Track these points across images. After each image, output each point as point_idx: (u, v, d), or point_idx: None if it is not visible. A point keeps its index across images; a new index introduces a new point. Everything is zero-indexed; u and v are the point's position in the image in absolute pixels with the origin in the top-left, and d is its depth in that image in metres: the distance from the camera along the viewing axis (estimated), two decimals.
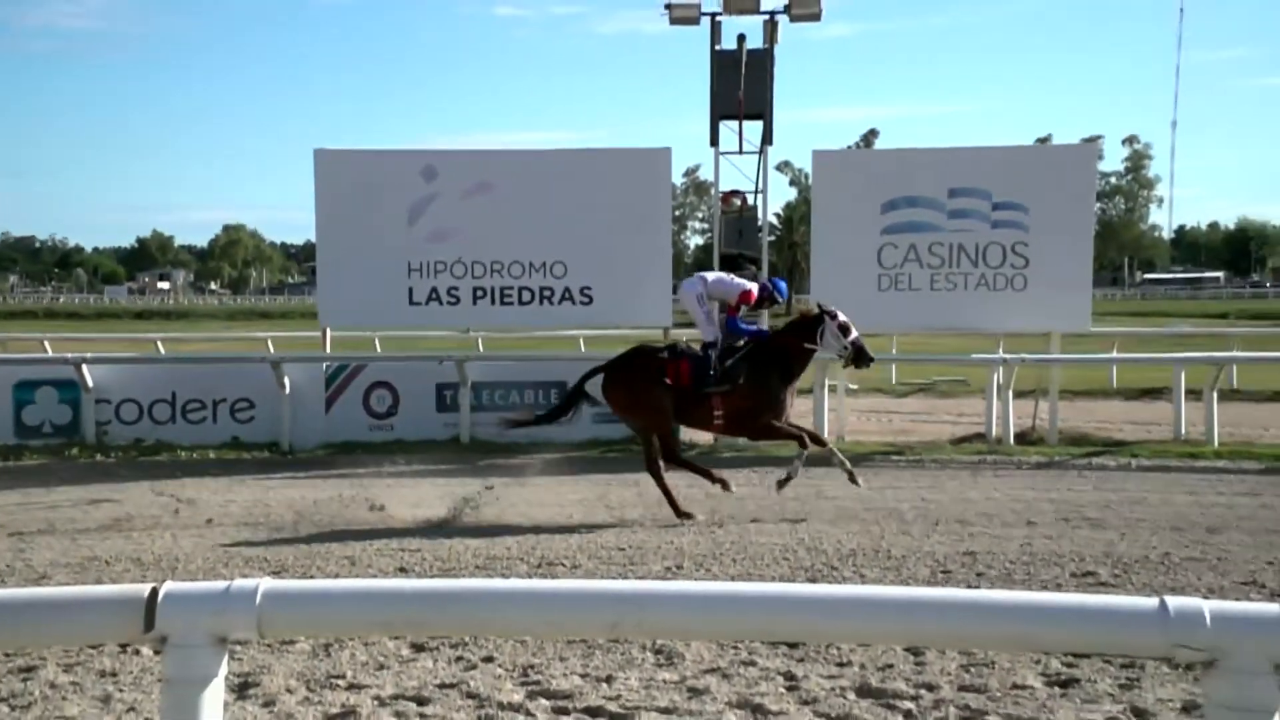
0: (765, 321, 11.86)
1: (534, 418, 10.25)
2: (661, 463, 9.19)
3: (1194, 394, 13.54)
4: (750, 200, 14.24)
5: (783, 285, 10.51)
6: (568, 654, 5.34)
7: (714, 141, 13.88)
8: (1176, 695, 4.77)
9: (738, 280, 10.15)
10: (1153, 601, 2.26)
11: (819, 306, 9.66)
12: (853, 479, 9.04)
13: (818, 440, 9.62)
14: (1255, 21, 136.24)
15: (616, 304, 13.90)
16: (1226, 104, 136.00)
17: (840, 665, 5.17)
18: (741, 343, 9.54)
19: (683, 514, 8.86)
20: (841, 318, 9.44)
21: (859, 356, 9.49)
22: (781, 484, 9.15)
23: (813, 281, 14.49)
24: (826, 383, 13.49)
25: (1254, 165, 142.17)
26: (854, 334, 9.47)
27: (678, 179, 74.33)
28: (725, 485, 9.18)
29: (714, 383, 9.28)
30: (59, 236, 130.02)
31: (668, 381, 9.31)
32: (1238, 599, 5.77)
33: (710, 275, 10.33)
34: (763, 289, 10.01)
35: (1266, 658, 2.18)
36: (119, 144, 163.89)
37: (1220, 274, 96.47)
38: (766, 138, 13.79)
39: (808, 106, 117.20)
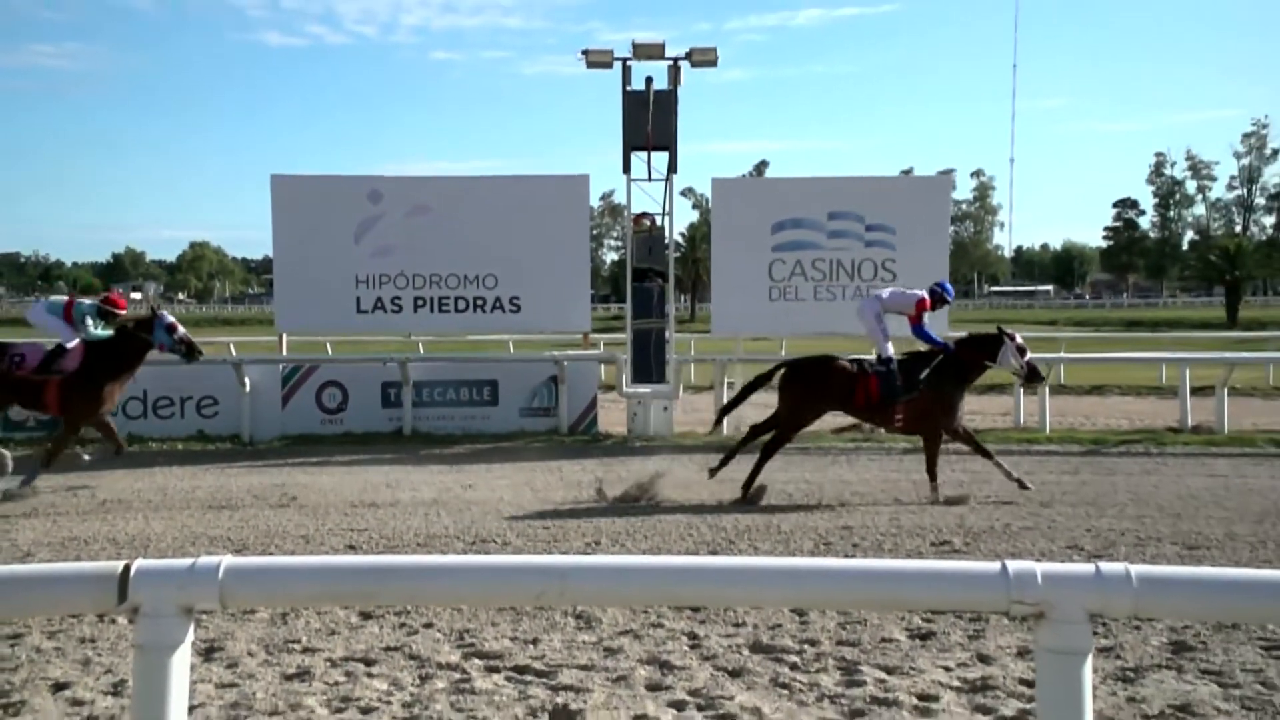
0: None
1: (721, 411, 10.30)
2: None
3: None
4: (658, 221, 14.28)
5: (949, 286, 10.12)
6: (499, 620, 5.31)
7: (626, 170, 13.90)
8: (1013, 643, 4.92)
9: (910, 291, 9.80)
10: (996, 565, 2.32)
11: (999, 329, 9.29)
12: (1021, 485, 8.86)
13: (984, 453, 9.28)
14: (1073, 77, 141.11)
15: (542, 312, 13.88)
16: (1052, 144, 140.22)
17: (736, 625, 5.22)
18: (926, 349, 9.33)
19: (748, 495, 8.80)
20: (1019, 340, 9.16)
21: (1032, 375, 9.30)
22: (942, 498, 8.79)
23: (713, 293, 14.59)
24: (725, 380, 13.60)
25: (1075, 196, 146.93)
26: (1029, 355, 9.22)
27: (595, 202, 74.15)
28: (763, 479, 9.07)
29: (903, 393, 9.03)
30: (41, 252, 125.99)
31: (846, 393, 9.11)
32: (1063, 561, 5.96)
33: (885, 292, 9.96)
34: (933, 293, 9.69)
35: (1083, 609, 2.26)
36: (95, 170, 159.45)
37: (1050, 287, 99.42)
38: (672, 167, 13.85)
39: (707, 140, 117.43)
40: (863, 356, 9.59)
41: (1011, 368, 9.25)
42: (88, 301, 9.93)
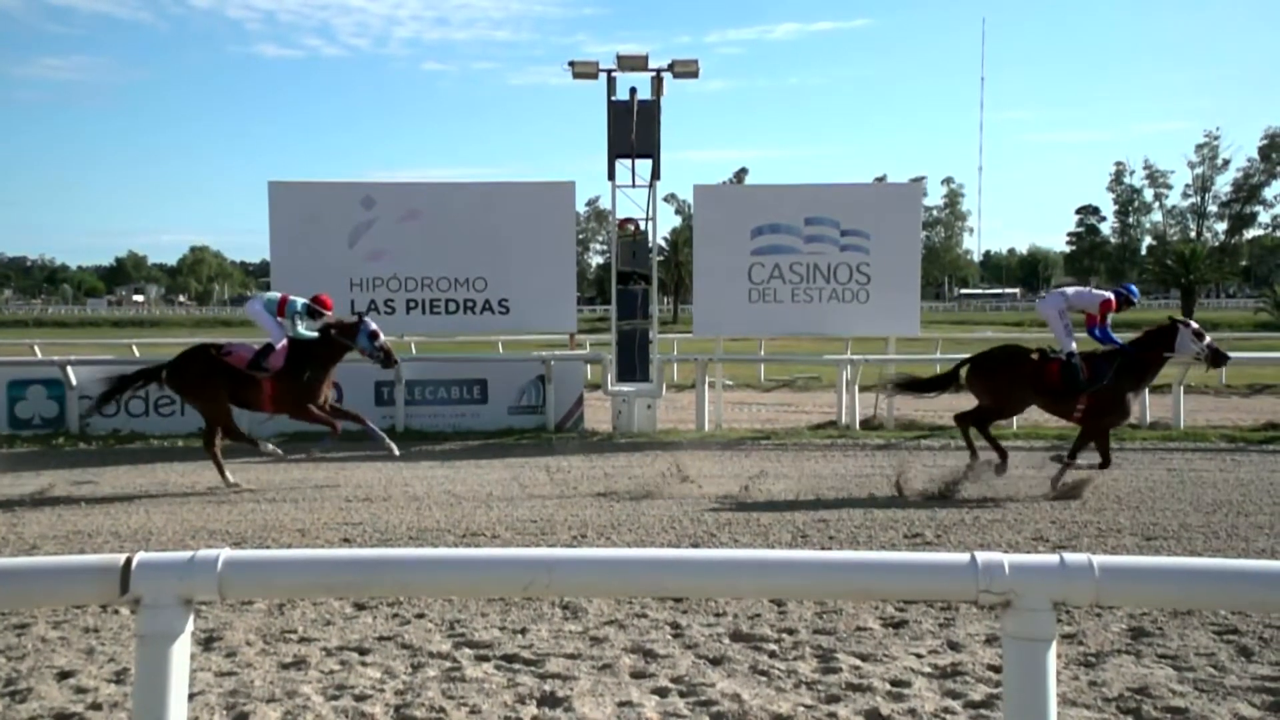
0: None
1: (906, 382, 10.11)
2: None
3: None
4: (642, 226, 14.27)
5: (1134, 289, 9.74)
6: (488, 610, 5.30)
7: (611, 177, 13.88)
8: (982, 630, 4.95)
9: (1096, 291, 9.54)
10: (965, 557, 2.33)
11: (1171, 319, 9.11)
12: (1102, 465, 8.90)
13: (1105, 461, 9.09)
14: (1038, 90, 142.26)
15: (530, 313, 13.84)
16: (1019, 154, 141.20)
17: (717, 615, 5.23)
18: (1107, 349, 9.13)
19: (1061, 489, 8.61)
20: (1194, 325, 8.94)
21: (1215, 356, 8.94)
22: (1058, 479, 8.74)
23: (695, 295, 14.60)
24: (706, 379, 13.62)
25: (1040, 203, 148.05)
26: (1208, 338, 8.97)
27: (581, 208, 74.03)
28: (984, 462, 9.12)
29: (1087, 386, 8.87)
30: (47, 256, 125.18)
31: (1034, 380, 9.02)
32: (1028, 552, 6.00)
33: (1070, 290, 9.72)
34: (1118, 295, 9.38)
35: (1047, 597, 2.27)
36: (99, 177, 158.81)
37: (1017, 290, 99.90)
38: (655, 174, 13.84)
39: (689, 148, 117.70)
40: (1044, 346, 9.59)
41: (1192, 353, 9.04)
42: (300, 301, 9.95)
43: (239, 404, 9.85)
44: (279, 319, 9.79)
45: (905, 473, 8.97)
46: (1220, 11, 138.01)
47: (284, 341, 9.67)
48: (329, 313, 10.02)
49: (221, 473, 9.28)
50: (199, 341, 10.64)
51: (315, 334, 9.80)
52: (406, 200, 13.68)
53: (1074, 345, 9.20)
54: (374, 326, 9.79)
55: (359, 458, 10.95)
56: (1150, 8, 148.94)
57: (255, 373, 9.54)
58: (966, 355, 10.18)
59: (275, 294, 10.26)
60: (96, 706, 4.07)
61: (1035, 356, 9.25)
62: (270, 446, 9.83)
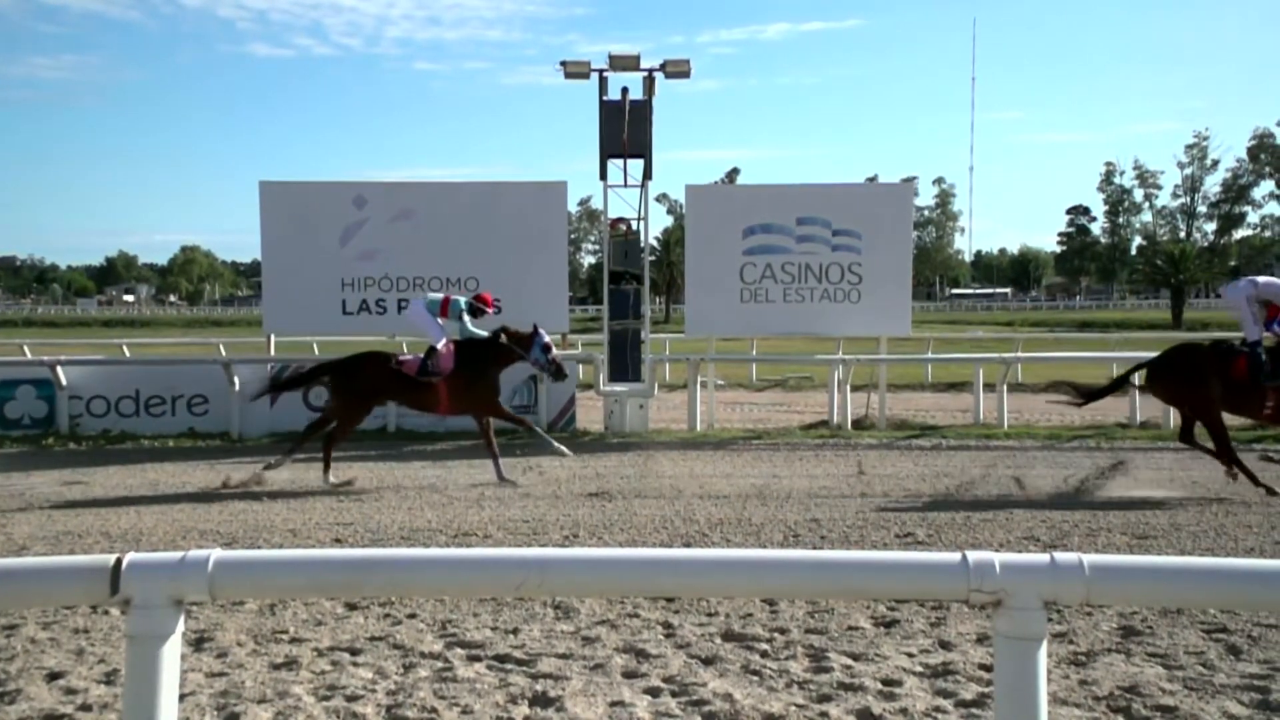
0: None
1: (1082, 390, 9.54)
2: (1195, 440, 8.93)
3: (989, 386, 14.04)
4: (634, 226, 14.26)
5: None
6: (480, 610, 5.29)
7: (603, 176, 13.88)
8: (973, 630, 4.96)
9: None
10: (956, 556, 2.33)
11: None
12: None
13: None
14: (1029, 91, 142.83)
15: (521, 313, 13.71)
16: (1009, 154, 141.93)
17: (709, 615, 5.23)
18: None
19: (1263, 485, 8.43)
20: None
21: None
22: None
23: (687, 294, 14.60)
24: (698, 379, 13.62)
25: (1031, 203, 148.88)
26: None
27: (572, 208, 74.01)
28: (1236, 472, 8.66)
29: (1272, 379, 8.55)
30: (37, 256, 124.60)
31: (1220, 376, 8.67)
32: (1019, 551, 6.01)
33: (1261, 279, 9.19)
34: None
35: (1038, 596, 2.28)
36: (89, 176, 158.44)
37: (1008, 290, 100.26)
38: (647, 174, 13.84)
39: (681, 148, 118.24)
40: (1231, 337, 9.32)
41: None
42: (463, 300, 10.01)
43: (416, 408, 10.17)
44: (441, 320, 9.88)
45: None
46: (1210, 13, 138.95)
47: (444, 342, 9.73)
48: (491, 310, 10.18)
49: (327, 469, 9.37)
50: (369, 348, 10.47)
51: (484, 333, 9.89)
52: (398, 200, 13.65)
53: (1260, 335, 8.82)
54: (547, 339, 9.90)
55: (350, 457, 10.92)
56: (1140, 9, 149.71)
57: (425, 378, 9.60)
58: (1143, 357, 9.87)
59: (437, 295, 10.38)
60: (86, 708, 4.05)
61: (1222, 349, 8.89)
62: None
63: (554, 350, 9.95)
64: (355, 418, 9.94)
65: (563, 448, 10.28)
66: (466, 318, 9.96)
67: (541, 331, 9.98)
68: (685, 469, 9.73)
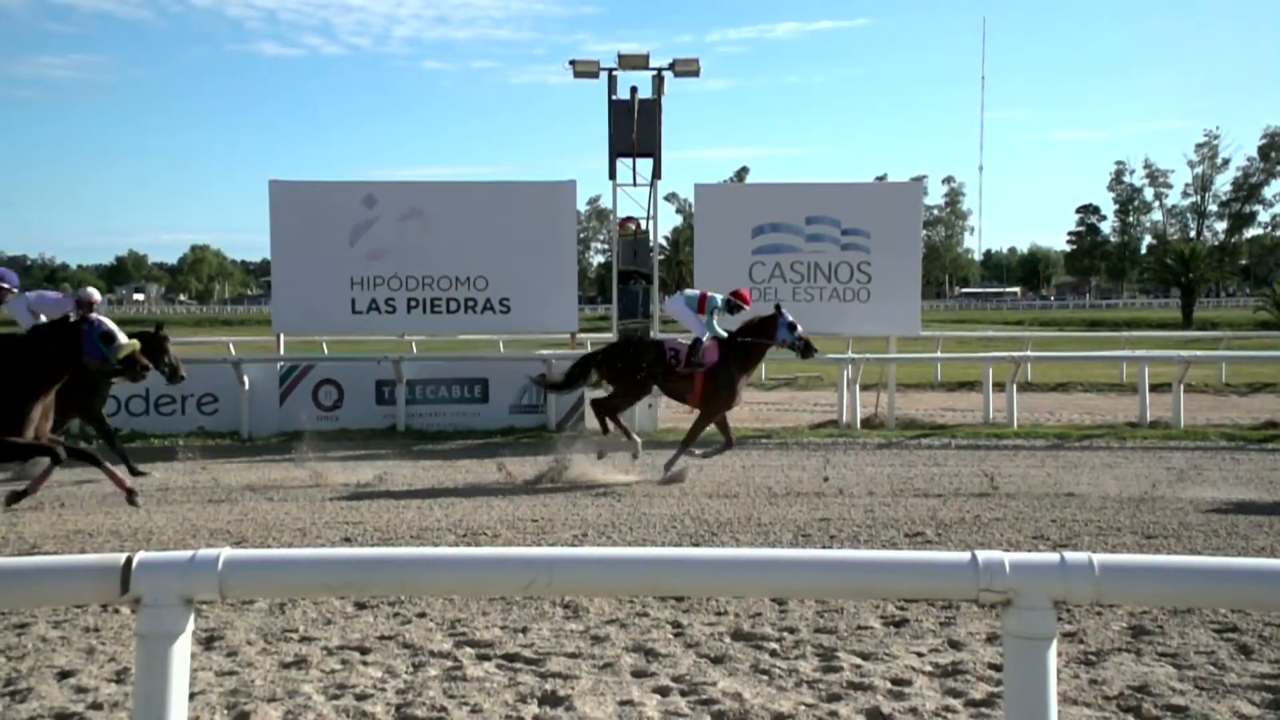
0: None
1: None
2: None
3: (998, 385, 14.00)
4: (643, 225, 14.28)
5: None
6: (489, 610, 5.30)
7: (612, 176, 13.88)
8: (982, 629, 4.94)
9: None
10: (966, 556, 2.33)
11: None
12: None
13: None
14: (1038, 90, 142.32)
15: (530, 313, 13.84)
16: (1019, 153, 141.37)
17: (718, 614, 5.22)
18: None
19: None
20: None
21: None
22: None
23: None
24: None
25: (1041, 202, 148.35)
26: None
27: (581, 207, 74.17)
28: None
29: None
30: (48, 255, 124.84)
31: None
32: (1029, 550, 5.99)
33: None
34: None
35: (1048, 596, 2.27)
36: (99, 176, 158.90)
37: (1018, 289, 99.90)
38: (656, 173, 13.85)
39: (690, 147, 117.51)
40: None
41: None
42: (719, 297, 10.03)
43: (670, 395, 10.28)
44: (699, 315, 9.90)
45: None
46: (1221, 11, 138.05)
47: (707, 336, 9.79)
48: (748, 307, 10.19)
49: (628, 433, 9.80)
50: (648, 336, 10.94)
51: (725, 333, 9.91)
52: (407, 199, 13.68)
53: None
54: (790, 317, 9.87)
55: (360, 457, 10.96)
56: (1150, 7, 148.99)
57: (692, 368, 9.66)
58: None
59: (695, 291, 10.39)
60: (97, 706, 4.07)
61: None
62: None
63: (800, 328, 9.87)
64: (629, 402, 10.17)
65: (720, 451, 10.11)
66: (718, 315, 9.98)
67: (784, 311, 9.93)
68: (694, 468, 9.71)
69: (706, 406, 9.89)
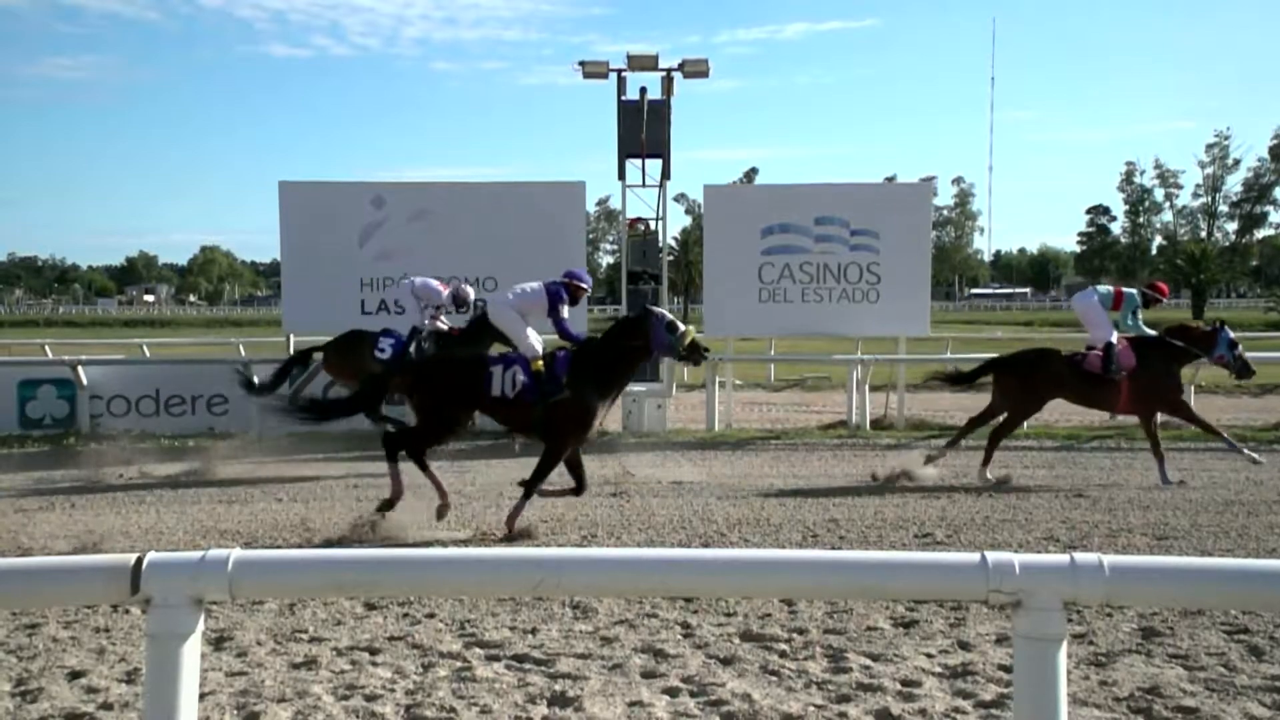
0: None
1: None
2: None
3: None
4: (652, 226, 14.27)
5: None
6: (498, 610, 5.30)
7: (621, 176, 13.89)
8: (993, 630, 4.93)
9: None
10: (975, 556, 2.32)
11: None
12: None
13: None
14: (1048, 90, 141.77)
15: None
16: (1029, 153, 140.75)
17: (728, 615, 5.22)
18: None
19: None
20: None
21: None
22: None
23: (705, 294, 14.58)
24: (716, 379, 13.60)
25: (1050, 203, 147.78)
26: None
27: (591, 208, 74.09)
28: None
29: None
30: (58, 256, 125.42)
31: None
32: (1039, 552, 5.97)
33: None
34: None
35: (1058, 597, 2.26)
36: (109, 176, 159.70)
37: (1028, 290, 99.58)
38: (665, 174, 13.84)
39: (699, 148, 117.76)
40: None
41: None
42: (1135, 293, 9.76)
43: (1088, 404, 9.97)
44: (1114, 313, 9.64)
45: None
46: (1231, 11, 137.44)
47: (1117, 337, 9.49)
48: (1165, 298, 9.98)
49: (986, 464, 9.40)
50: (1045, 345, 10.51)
51: (1153, 333, 9.69)
52: (416, 200, 13.70)
53: None
54: (1231, 335, 9.60)
55: (369, 456, 10.96)
56: (1160, 8, 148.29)
57: (1109, 375, 9.35)
58: None
59: (1108, 287, 10.05)
60: (107, 706, 4.08)
61: None
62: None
63: (1239, 347, 9.56)
64: (1030, 411, 9.92)
65: (1256, 455, 9.75)
66: (1140, 314, 9.70)
67: (1225, 329, 9.59)
68: (703, 468, 9.71)
69: (1150, 409, 9.49)
